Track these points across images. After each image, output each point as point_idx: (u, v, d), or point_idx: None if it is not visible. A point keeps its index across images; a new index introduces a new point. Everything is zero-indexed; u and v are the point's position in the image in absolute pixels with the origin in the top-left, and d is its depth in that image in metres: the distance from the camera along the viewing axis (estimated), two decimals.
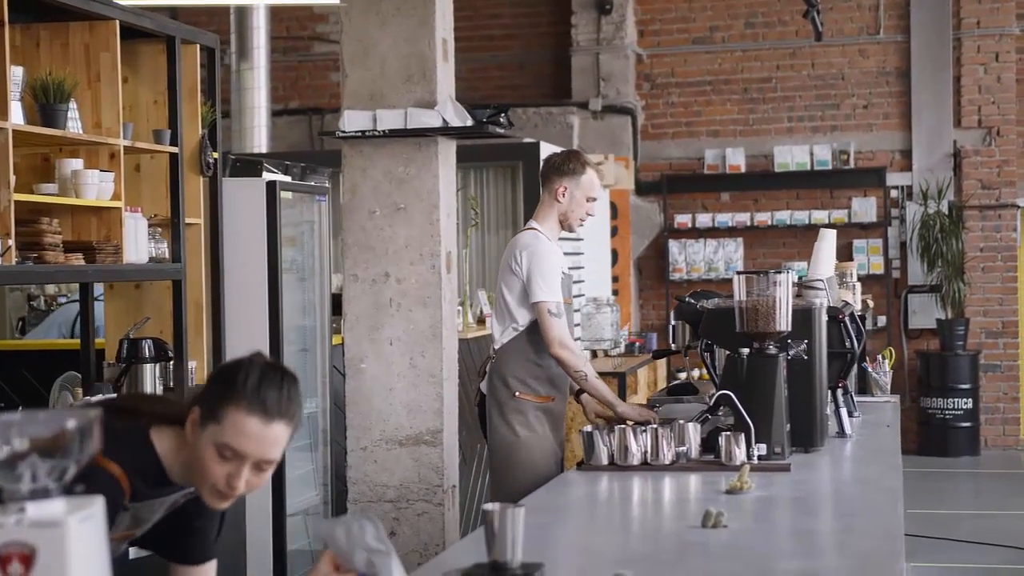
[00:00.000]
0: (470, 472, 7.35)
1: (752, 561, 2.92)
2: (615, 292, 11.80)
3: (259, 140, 10.63)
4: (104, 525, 1.79)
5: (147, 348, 5.29)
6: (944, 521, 9.11)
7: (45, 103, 4.68)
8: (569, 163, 5.14)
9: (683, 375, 10.18)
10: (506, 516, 2.68)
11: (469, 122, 5.34)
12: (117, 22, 5.06)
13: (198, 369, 5.74)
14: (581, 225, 5.23)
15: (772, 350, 4.26)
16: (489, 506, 2.70)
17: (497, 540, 2.69)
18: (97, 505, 1.76)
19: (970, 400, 11.83)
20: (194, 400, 2.59)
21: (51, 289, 8.44)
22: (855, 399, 5.45)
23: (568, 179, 5.11)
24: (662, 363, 10.59)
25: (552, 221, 5.13)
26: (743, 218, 12.39)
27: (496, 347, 5.15)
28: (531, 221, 5.22)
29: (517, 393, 5.04)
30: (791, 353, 4.34)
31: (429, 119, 5.29)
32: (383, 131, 5.31)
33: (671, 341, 5.09)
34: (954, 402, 11.81)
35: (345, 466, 5.48)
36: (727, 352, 4.42)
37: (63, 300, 8.04)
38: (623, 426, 4.19)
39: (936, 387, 11.86)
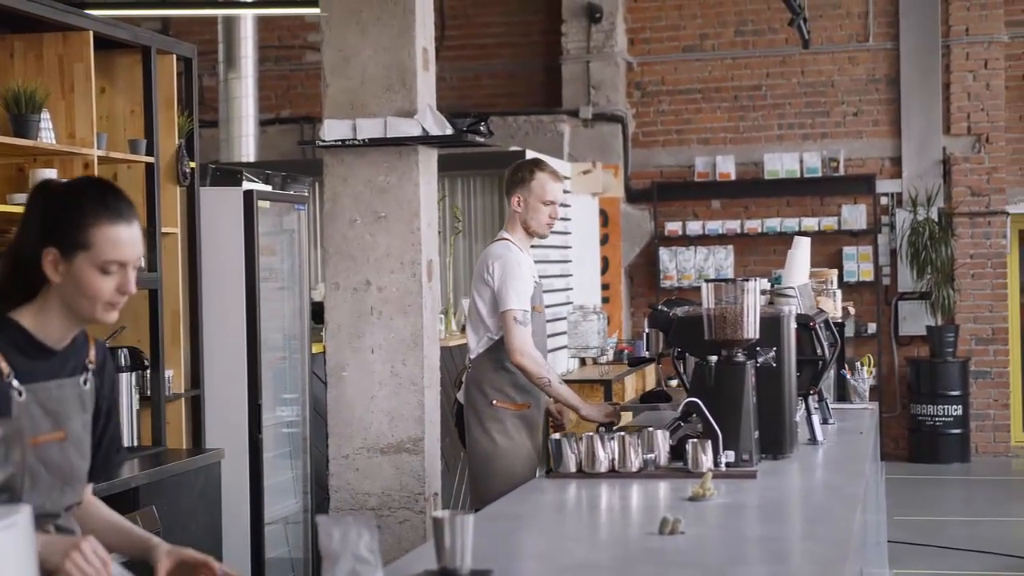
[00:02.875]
0: (452, 480, 7.36)
1: (703, 567, 2.94)
2: (606, 300, 11.82)
3: (247, 149, 10.65)
4: (31, 532, 1.80)
5: (123, 357, 5.30)
6: (933, 528, 9.11)
7: (17, 113, 4.70)
8: (518, 173, 5.27)
9: (674, 383, 10.19)
10: (455, 524, 2.70)
11: (449, 131, 5.35)
12: (91, 33, 5.08)
13: (175, 378, 5.75)
14: (550, 228, 5.29)
15: (740, 357, 4.27)
16: (438, 514, 2.72)
17: (446, 547, 2.71)
18: (23, 514, 1.78)
19: (960, 407, 11.84)
20: (39, 243, 2.62)
21: None
22: (831, 406, 5.46)
23: (519, 188, 5.23)
24: (651, 370, 10.60)
25: (520, 231, 5.24)
26: (733, 226, 12.40)
27: (472, 356, 5.23)
28: (501, 232, 5.34)
29: (494, 401, 5.12)
30: (759, 360, 4.35)
31: (409, 128, 5.30)
32: (363, 140, 5.32)
33: (645, 349, 5.11)
34: (944, 409, 11.81)
35: (326, 474, 5.49)
36: (696, 359, 4.43)
37: None
38: (591, 433, 4.20)
39: (926, 394, 11.86)
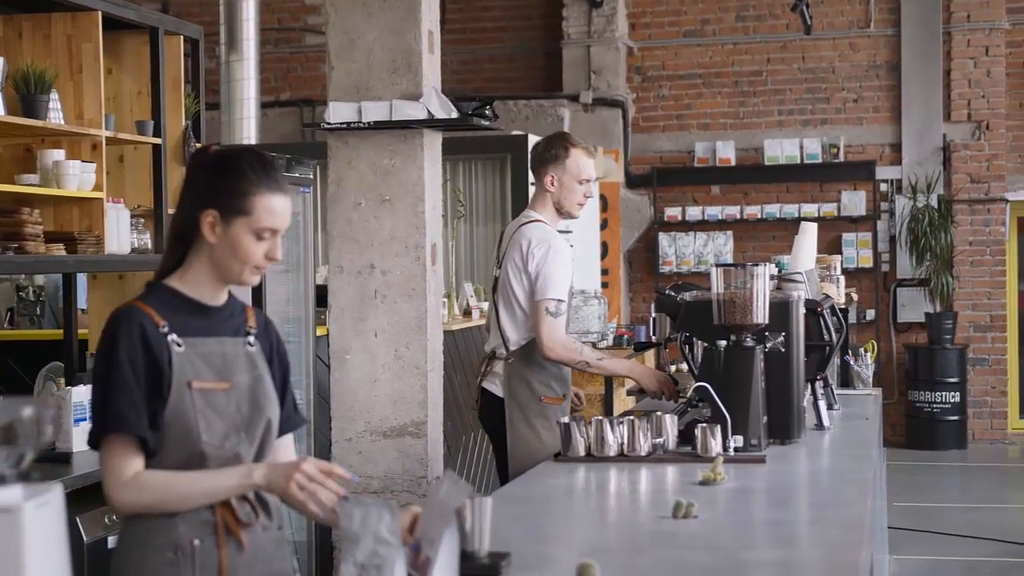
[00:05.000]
0: (455, 464, 7.37)
1: (718, 551, 2.95)
2: (605, 285, 11.82)
3: (248, 131, 10.56)
4: (63, 510, 1.80)
5: None
6: (930, 514, 9.14)
7: (26, 94, 4.69)
8: (551, 149, 5.03)
9: (674, 368, 10.19)
10: (473, 506, 2.71)
11: (454, 114, 5.33)
12: (99, 13, 5.07)
13: None
14: (581, 209, 5.12)
15: (749, 342, 4.28)
16: None
17: (465, 530, 2.71)
18: (55, 492, 1.78)
19: (958, 394, 11.86)
20: (199, 205, 2.76)
21: (40, 279, 8.46)
22: (836, 392, 5.47)
23: (552, 166, 5.02)
24: (651, 355, 10.61)
25: (550, 210, 5.05)
26: (733, 211, 12.41)
27: (512, 348, 5.00)
28: (529, 211, 5.12)
29: (542, 398, 4.96)
30: (768, 345, 4.35)
31: (414, 111, 5.29)
32: (368, 123, 5.31)
33: (652, 333, 5.10)
34: (942, 395, 11.84)
35: (329, 457, 5.49)
36: (705, 344, 4.44)
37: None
38: (599, 417, 4.20)
39: (924, 380, 11.89)
